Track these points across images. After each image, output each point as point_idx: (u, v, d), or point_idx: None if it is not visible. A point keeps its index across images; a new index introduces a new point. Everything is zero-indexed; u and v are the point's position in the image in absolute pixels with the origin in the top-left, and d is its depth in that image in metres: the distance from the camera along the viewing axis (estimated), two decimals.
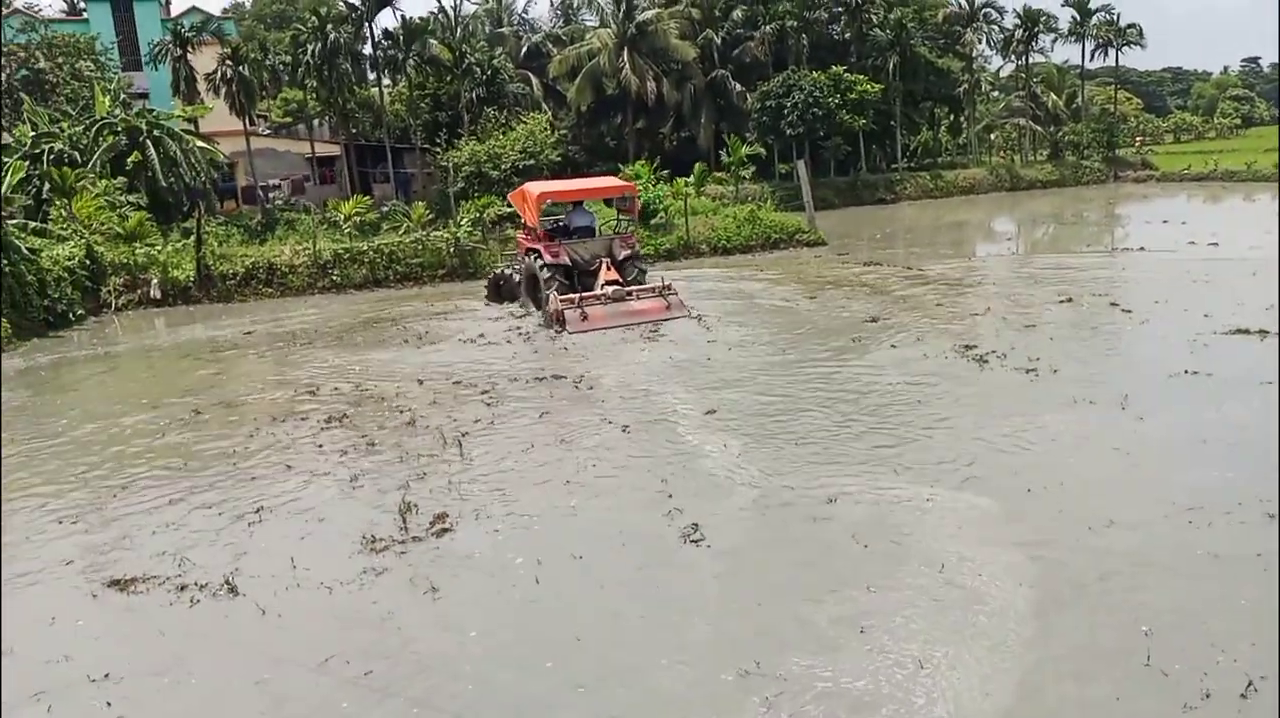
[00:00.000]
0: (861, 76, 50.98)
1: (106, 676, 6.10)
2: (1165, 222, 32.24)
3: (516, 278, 20.70)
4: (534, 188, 20.56)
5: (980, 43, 61.90)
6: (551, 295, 17.98)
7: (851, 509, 8.18)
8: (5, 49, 39.25)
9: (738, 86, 53.52)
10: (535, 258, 19.23)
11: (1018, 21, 61.41)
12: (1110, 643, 5.93)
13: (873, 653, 5.91)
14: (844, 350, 14.62)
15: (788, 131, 48.94)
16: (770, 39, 54.59)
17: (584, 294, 18.00)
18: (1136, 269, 21.91)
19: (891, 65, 54.26)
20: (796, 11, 54.79)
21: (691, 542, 7.67)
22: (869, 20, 54.72)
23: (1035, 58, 65.09)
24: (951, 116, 66.98)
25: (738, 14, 56.24)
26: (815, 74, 49.63)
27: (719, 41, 54.93)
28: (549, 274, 18.62)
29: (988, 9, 60.79)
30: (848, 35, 56.37)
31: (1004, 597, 6.49)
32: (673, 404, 11.96)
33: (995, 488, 8.47)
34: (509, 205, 31.48)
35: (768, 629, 6.33)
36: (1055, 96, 69.44)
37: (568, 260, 18.91)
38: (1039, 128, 67.55)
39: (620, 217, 21.67)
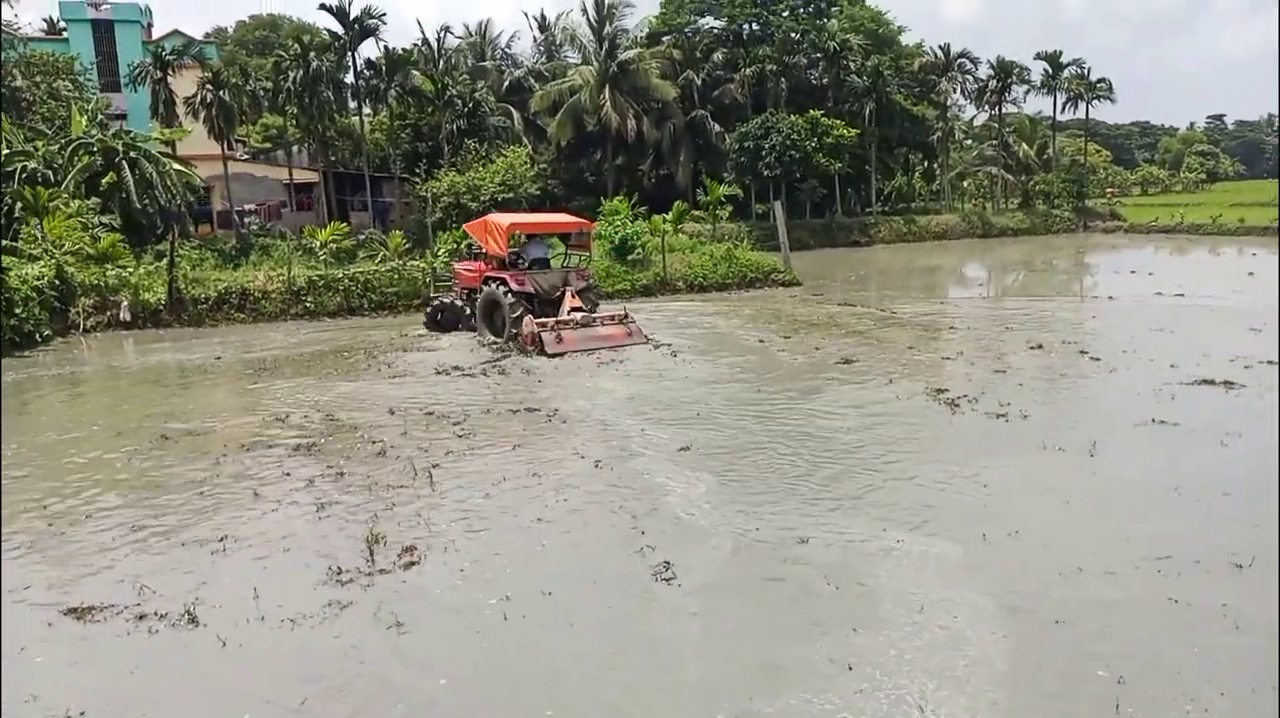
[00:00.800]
0: (838, 121, 51.87)
1: (83, 714, 5.90)
2: (1133, 272, 32.86)
3: (460, 306, 21.68)
4: (503, 218, 21.21)
5: (955, 92, 63.34)
6: (528, 319, 18.97)
7: (823, 552, 8.16)
8: None
9: (717, 127, 54.27)
10: (497, 285, 19.99)
11: (991, 72, 62.95)
12: (1082, 690, 5.93)
13: (868, 692, 5.86)
14: (816, 391, 14.69)
15: (765, 173, 49.60)
16: (750, 82, 55.52)
17: (557, 319, 19.12)
18: (1105, 318, 22.27)
19: (868, 111, 55.28)
20: (776, 56, 55.82)
21: (663, 580, 7.61)
22: (846, 67, 55.80)
23: (1008, 108, 66.73)
24: (925, 163, 68.21)
25: (718, 56, 57.20)
26: (793, 117, 50.43)
27: (699, 82, 55.76)
28: (514, 301, 19.49)
29: (963, 59, 62.24)
30: (825, 80, 57.43)
31: (982, 642, 6.48)
32: (645, 440, 11.93)
33: (965, 534, 8.48)
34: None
35: (752, 669, 6.26)
36: (1027, 146, 70.98)
37: (532, 289, 19.90)
38: (1010, 176, 68.92)
39: (572, 252, 22.23)
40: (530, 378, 16.41)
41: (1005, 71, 62.59)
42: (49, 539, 9.01)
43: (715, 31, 59.83)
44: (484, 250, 21.03)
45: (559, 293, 20.08)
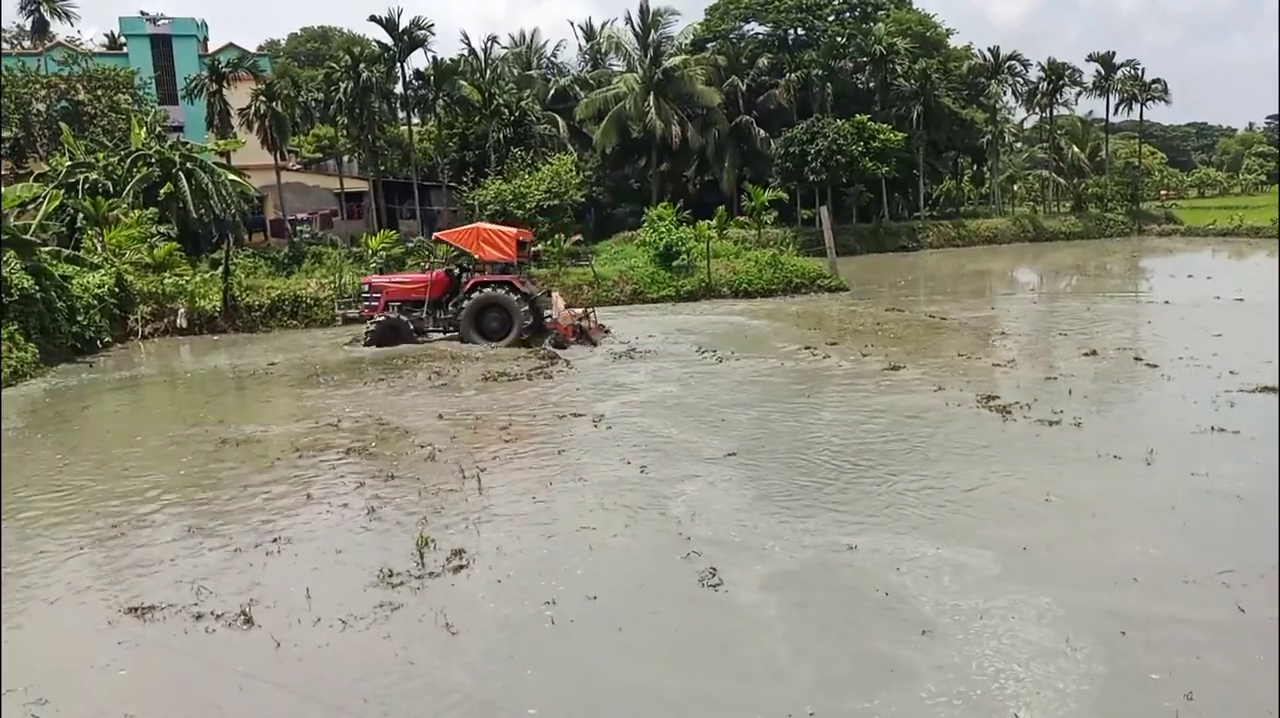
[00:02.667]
0: (885, 125, 51.38)
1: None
2: (1190, 276, 32.10)
3: (405, 320, 21.66)
4: (504, 228, 22.95)
5: (1004, 95, 62.38)
6: (566, 313, 21.36)
7: (871, 558, 8.08)
8: (47, 80, 40.25)
9: (761, 132, 54.05)
10: (498, 290, 21.19)
11: (1042, 74, 61.92)
12: (1152, 704, 5.81)
13: (953, 698, 5.81)
14: (864, 398, 14.56)
15: (811, 178, 49.29)
16: (795, 87, 55.26)
17: (581, 315, 21.63)
18: (1161, 323, 21.78)
19: (915, 115, 54.67)
20: (822, 61, 55.49)
21: (710, 586, 7.59)
22: (894, 70, 55.25)
23: (1059, 110, 65.53)
24: (975, 166, 67.28)
25: (763, 62, 56.99)
26: (839, 122, 50.05)
27: (744, 88, 55.60)
28: (519, 302, 21.18)
29: (1012, 62, 61.32)
30: (872, 84, 56.93)
31: (1046, 648, 6.37)
32: (691, 445, 11.92)
33: (1020, 543, 8.35)
34: (533, 245, 31.87)
35: (821, 674, 6.23)
36: (1079, 149, 69.68)
37: (527, 292, 21.65)
38: (1062, 179, 67.74)
39: (526, 260, 24.02)
40: (574, 383, 16.49)
41: (1056, 73, 61.54)
42: (109, 540, 9.26)
43: (760, 37, 59.66)
44: (480, 259, 21.77)
45: (541, 294, 22.34)
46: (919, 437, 12.12)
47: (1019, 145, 77.57)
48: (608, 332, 22.14)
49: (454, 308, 21.65)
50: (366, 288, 22.66)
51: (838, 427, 12.70)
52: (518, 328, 21.05)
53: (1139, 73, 64.60)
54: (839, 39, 57.63)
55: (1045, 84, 61.94)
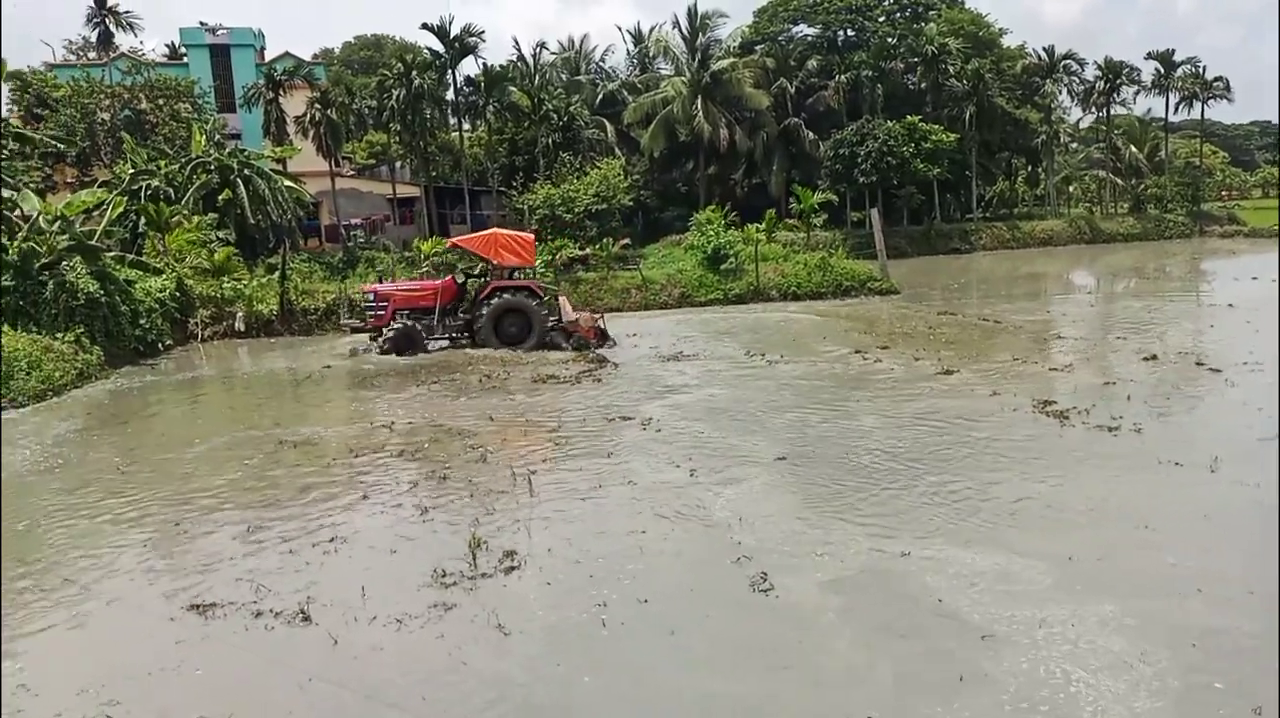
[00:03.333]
0: (937, 126, 50.77)
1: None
2: (1254, 278, 31.20)
3: (418, 329, 21.37)
4: (525, 235, 23.22)
5: (1060, 94, 61.28)
6: (586, 315, 22.04)
7: (926, 564, 7.98)
8: (111, 90, 41.45)
9: (810, 135, 53.74)
10: (519, 295, 21.41)
11: (1099, 73, 60.70)
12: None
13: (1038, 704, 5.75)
14: (916, 402, 14.39)
15: (861, 180, 48.89)
16: (844, 88, 54.87)
17: (599, 316, 22.39)
18: (1224, 327, 21.21)
19: (968, 115, 53.94)
20: (872, 62, 55.02)
21: (761, 591, 7.56)
22: (945, 71, 54.58)
23: (1117, 110, 64.20)
24: (1029, 167, 66.21)
25: (812, 64, 56.67)
26: (890, 123, 49.57)
27: (793, 90, 55.34)
28: (544, 309, 21.67)
29: (1068, 60, 60.23)
30: (923, 85, 56.30)
31: (1108, 659, 6.25)
32: (740, 449, 11.89)
33: (1079, 551, 8.19)
34: (581, 248, 32.08)
35: (893, 678, 6.18)
36: (1136, 149, 68.20)
37: (542, 295, 22.01)
38: (1120, 180, 66.35)
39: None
40: (623, 386, 16.53)
41: (1114, 72, 60.31)
42: (172, 538, 9.49)
43: (809, 39, 59.34)
44: (496, 265, 21.79)
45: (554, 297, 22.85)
46: (973, 442, 11.95)
47: (1075, 146, 76.10)
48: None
49: (465, 314, 21.76)
50: (371, 297, 22.16)
51: (889, 431, 12.57)
52: (538, 332, 21.23)
53: (1200, 70, 63.05)
54: (889, 40, 57.10)
55: (1102, 83, 60.73)
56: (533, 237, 23.25)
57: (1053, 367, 16.90)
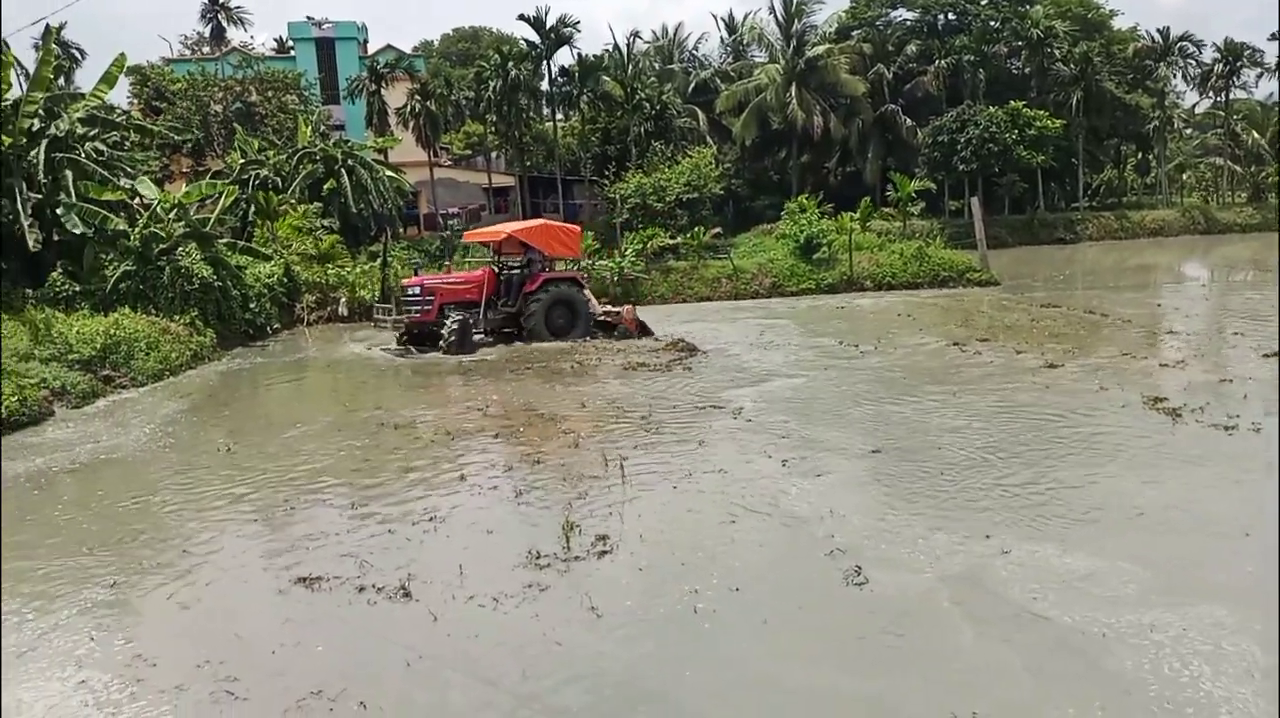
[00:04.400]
0: (1042, 112, 49.10)
1: (319, 692, 6.45)
2: None
3: (476, 318, 20.73)
4: (572, 227, 23.35)
5: (1175, 78, 58.56)
6: (628, 308, 22.26)
7: (1028, 562, 7.76)
8: (224, 84, 43.22)
9: (908, 121, 52.59)
10: (570, 287, 21.42)
11: (1218, 55, 57.74)
12: None
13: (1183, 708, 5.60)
14: (1019, 396, 13.98)
15: (960, 167, 47.65)
16: (944, 74, 53.49)
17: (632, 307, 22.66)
18: None
19: (1075, 101, 52.01)
20: (974, 46, 53.49)
21: (855, 584, 7.48)
22: (1051, 55, 52.71)
23: (1237, 94, 60.98)
24: (1139, 154, 63.51)
25: (911, 49, 55.41)
26: (992, 109, 48.13)
27: (890, 76, 54.24)
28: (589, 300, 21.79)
29: (1184, 42, 57.53)
30: (1027, 70, 54.52)
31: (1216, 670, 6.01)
32: (833, 441, 11.76)
33: (1195, 555, 7.86)
34: (672, 237, 32.10)
35: (1021, 675, 6.05)
36: (1258, 135, 64.63)
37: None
38: (1238, 168, 63.11)
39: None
40: (713, 375, 16.51)
41: (1234, 54, 57.28)
42: (280, 515, 9.90)
43: (908, 23, 58.03)
44: (548, 257, 21.75)
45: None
46: (1077, 439, 11.56)
47: (1189, 132, 72.62)
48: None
49: (507, 307, 21.18)
50: (417, 291, 20.64)
51: (988, 426, 12.24)
52: (585, 324, 21.22)
53: None
54: (992, 23, 55.39)
55: (1221, 66, 57.75)
56: (579, 229, 23.32)
57: (1164, 362, 16.21)
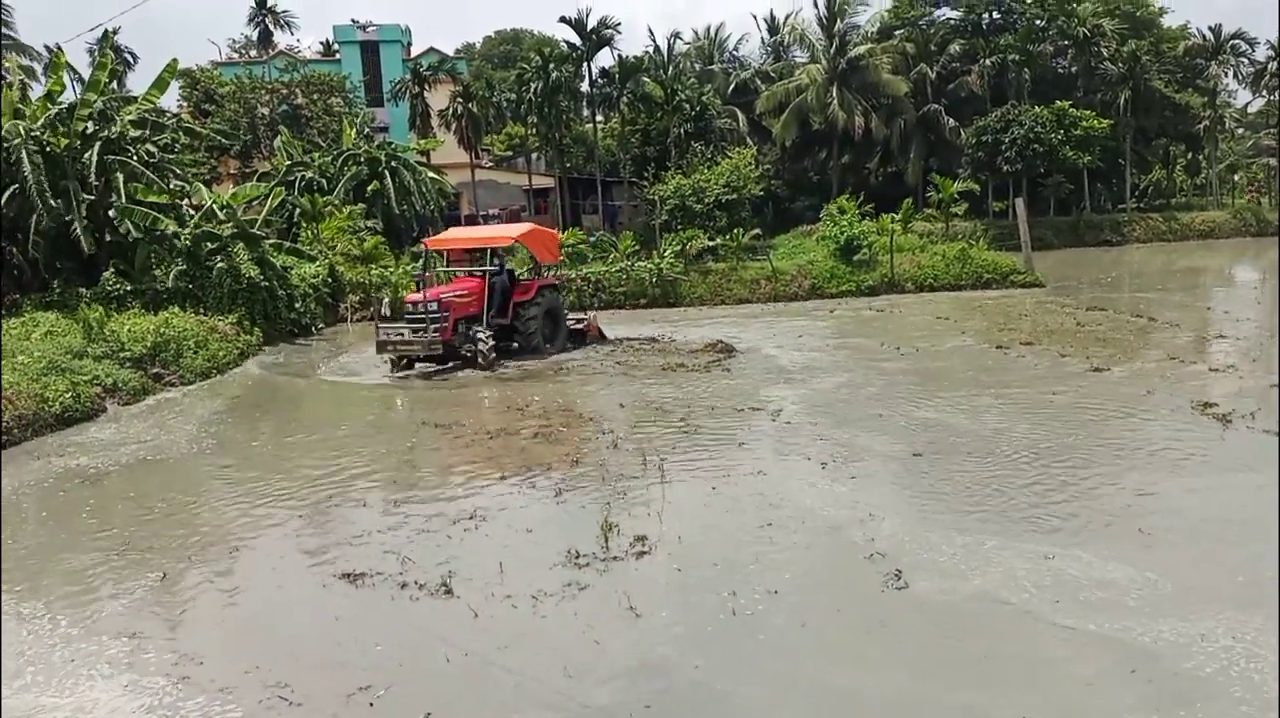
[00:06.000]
0: (1088, 112, 48.28)
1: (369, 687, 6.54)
2: None
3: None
4: (552, 231, 22.92)
5: (1226, 77, 57.26)
6: (594, 314, 22.17)
7: (1072, 568, 7.66)
8: (270, 86, 43.96)
9: (951, 121, 51.99)
10: (551, 294, 20.34)
11: (1271, 53, 56.34)
12: None
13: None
14: (1064, 400, 13.77)
15: (1004, 168, 47.02)
16: (989, 73, 52.78)
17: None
18: None
19: (1122, 100, 51.10)
20: (1019, 45, 52.74)
21: (895, 588, 7.44)
22: (1099, 53, 51.79)
23: None
24: (1189, 155, 62.19)
25: (955, 48, 54.77)
26: (1037, 109, 47.43)
27: (933, 76, 53.66)
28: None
29: (1236, 40, 56.19)
30: (1074, 69, 53.66)
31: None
32: (873, 442, 11.69)
33: (1237, 565, 7.71)
34: (711, 239, 32.02)
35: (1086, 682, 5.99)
36: None
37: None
38: None
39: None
40: (752, 376, 16.47)
41: None
42: (322, 512, 10.08)
43: (952, 22, 57.33)
44: (541, 263, 20.71)
45: None
46: (1123, 444, 11.38)
47: (1241, 132, 70.96)
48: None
49: (502, 317, 19.01)
50: (434, 307, 17.82)
51: (1031, 430, 12.09)
52: (564, 334, 20.27)
53: None
54: (1038, 21, 54.56)
55: (1274, 64, 56.35)
56: (558, 234, 23.54)
57: (1213, 367, 15.89)
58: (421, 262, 20.00)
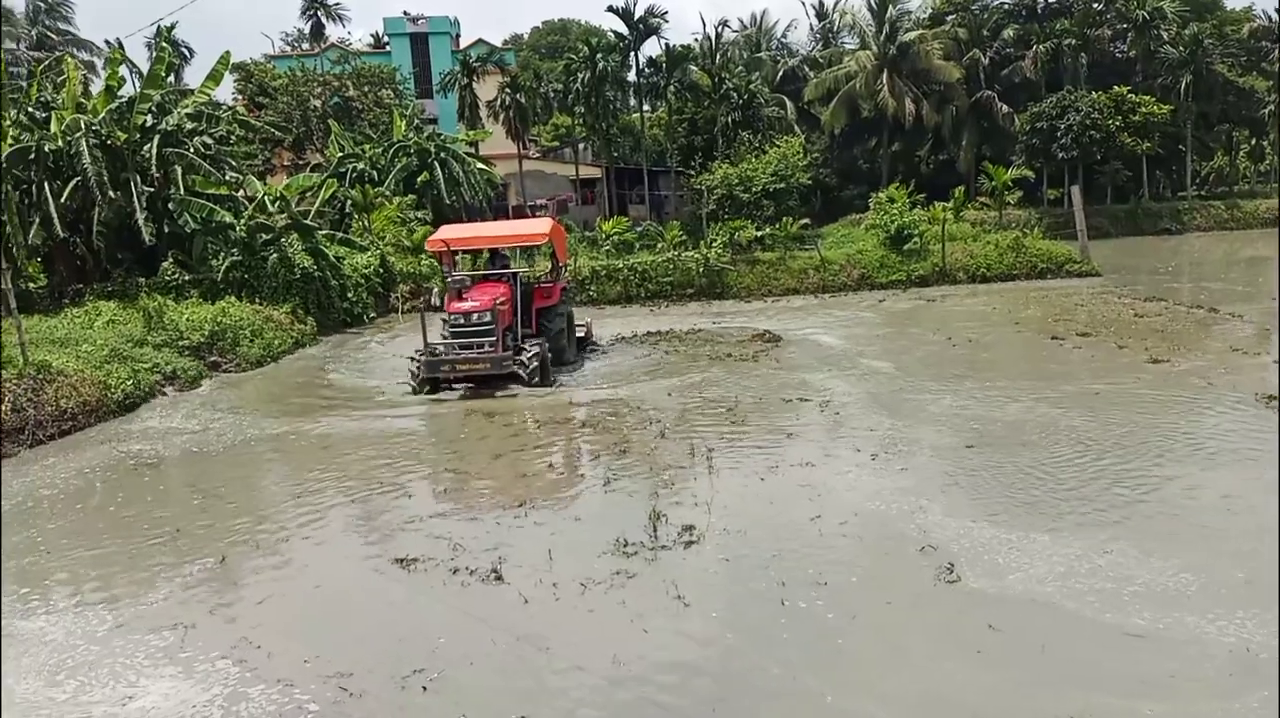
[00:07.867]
0: (1147, 97, 46.99)
1: (420, 670, 6.65)
2: None
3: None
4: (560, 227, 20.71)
5: None
6: (590, 320, 20.49)
7: (1124, 566, 7.51)
8: (322, 79, 44.54)
9: (1004, 108, 50.94)
10: (565, 298, 18.21)
11: None
12: None
13: None
14: (1121, 393, 13.47)
15: (1060, 155, 46.00)
16: (1044, 58, 51.60)
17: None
18: None
19: (1183, 85, 49.66)
20: (1075, 29, 51.50)
21: (947, 583, 7.35)
22: (1159, 37, 50.35)
23: None
24: (1253, 140, 60.27)
25: (1009, 33, 53.64)
26: (1094, 94, 46.29)
27: (986, 61, 52.62)
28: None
29: None
30: (1133, 53, 52.25)
31: None
32: (924, 434, 11.55)
33: None
34: (759, 229, 31.80)
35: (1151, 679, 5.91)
36: None
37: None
38: None
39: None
40: (800, 366, 16.34)
41: None
42: (377, 497, 10.23)
43: (1005, 7, 56.14)
44: (558, 261, 18.87)
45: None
46: (1181, 438, 11.10)
47: None
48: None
49: (526, 325, 16.64)
50: (488, 318, 15.26)
51: (1086, 423, 11.84)
52: (575, 341, 18.41)
53: None
54: (1095, 5, 53.21)
55: None
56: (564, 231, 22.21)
57: (1276, 359, 15.42)
58: (452, 264, 17.71)
